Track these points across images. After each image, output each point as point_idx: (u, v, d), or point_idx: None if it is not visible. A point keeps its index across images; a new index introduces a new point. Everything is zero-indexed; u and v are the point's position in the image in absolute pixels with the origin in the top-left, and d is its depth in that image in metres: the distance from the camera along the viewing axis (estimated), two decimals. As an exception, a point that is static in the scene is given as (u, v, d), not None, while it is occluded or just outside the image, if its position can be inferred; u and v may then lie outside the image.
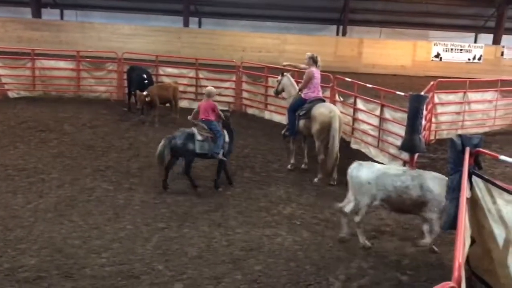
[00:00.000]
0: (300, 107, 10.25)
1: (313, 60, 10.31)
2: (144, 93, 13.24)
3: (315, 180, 9.97)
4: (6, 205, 8.15)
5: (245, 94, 15.98)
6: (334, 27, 29.02)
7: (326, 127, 9.73)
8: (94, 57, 17.57)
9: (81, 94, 16.29)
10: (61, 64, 16.45)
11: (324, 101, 10.42)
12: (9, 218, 7.73)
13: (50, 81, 16.34)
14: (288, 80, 11.18)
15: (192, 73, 16.30)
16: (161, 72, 16.31)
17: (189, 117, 9.48)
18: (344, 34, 28.05)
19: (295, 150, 10.79)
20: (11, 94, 16.09)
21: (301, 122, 10.22)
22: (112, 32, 25.17)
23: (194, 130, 9.09)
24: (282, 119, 14.40)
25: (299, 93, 10.49)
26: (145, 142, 12.19)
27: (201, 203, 8.74)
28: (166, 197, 8.89)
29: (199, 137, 9.02)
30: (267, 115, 15.26)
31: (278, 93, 11.51)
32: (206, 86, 15.44)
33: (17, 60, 16.44)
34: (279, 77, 11.50)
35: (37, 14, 27.20)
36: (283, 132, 10.84)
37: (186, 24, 27.30)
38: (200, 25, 28.90)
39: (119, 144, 11.88)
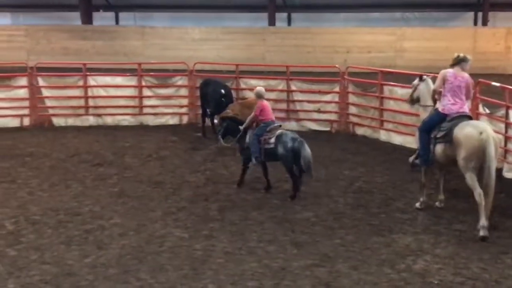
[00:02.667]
0: (436, 126, 10.03)
1: (459, 60, 10.04)
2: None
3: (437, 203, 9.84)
4: (58, 260, 8.60)
5: (352, 109, 15.97)
6: (471, 14, 28.36)
7: (477, 154, 9.39)
8: (158, 70, 18.33)
9: (144, 119, 17.00)
10: (119, 80, 17.31)
11: (470, 117, 10.12)
12: (63, 276, 8.13)
13: (105, 103, 17.21)
14: (427, 86, 11.13)
15: (282, 85, 16.56)
16: (242, 85, 16.72)
17: (245, 125, 11.47)
18: (485, 23, 27.31)
19: (427, 184, 10.57)
20: (58, 121, 17.11)
21: (439, 147, 9.97)
22: (179, 38, 26.21)
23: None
24: (405, 140, 14.23)
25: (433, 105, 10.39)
26: (225, 176, 12.46)
27: (300, 254, 8.75)
28: (255, 247, 8.99)
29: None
30: (383, 135, 15.13)
31: (413, 102, 11.51)
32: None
33: (64, 78, 17.54)
34: (416, 81, 11.48)
35: (87, 19, 28.87)
36: (411, 160, 10.69)
37: (272, 22, 27.83)
38: (289, 22, 29.36)
39: (193, 180, 12.24)
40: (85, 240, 9.28)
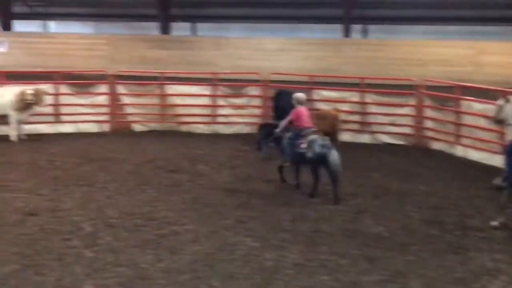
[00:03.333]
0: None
1: None
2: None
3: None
4: (133, 263, 8.79)
5: (428, 123, 15.69)
6: (553, 28, 27.46)
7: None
8: (233, 80, 18.56)
9: (217, 127, 17.22)
10: (194, 89, 17.61)
11: None
12: (137, 279, 8.30)
13: (181, 111, 17.55)
14: None
15: (356, 97, 16.44)
16: (315, 96, 16.70)
17: (280, 128, 12.15)
18: None
19: (508, 205, 10.26)
20: (136, 127, 17.58)
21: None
22: (254, 48, 26.44)
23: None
24: (482, 156, 13.88)
25: None
26: (293, 186, 12.45)
27: (372, 269, 8.64)
28: (326, 260, 8.93)
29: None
30: (459, 150, 14.80)
31: (498, 122, 11.24)
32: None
33: (143, 86, 17.97)
34: (501, 101, 11.24)
35: (165, 29, 29.53)
36: (497, 182, 10.41)
37: (347, 33, 27.73)
38: (365, 34, 29.15)
39: (265, 189, 12.30)
40: (159, 244, 9.44)
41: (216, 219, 10.58)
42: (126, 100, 17.69)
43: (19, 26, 31.73)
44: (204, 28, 30.47)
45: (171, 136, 16.92)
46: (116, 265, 8.67)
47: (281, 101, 15.35)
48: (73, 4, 32.48)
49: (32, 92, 15.73)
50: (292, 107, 14.76)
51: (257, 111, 17.40)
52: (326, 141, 11.60)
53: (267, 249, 9.30)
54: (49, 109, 16.78)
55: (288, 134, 12.05)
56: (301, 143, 11.65)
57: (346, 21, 27.67)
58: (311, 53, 25.76)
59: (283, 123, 12.21)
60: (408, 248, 9.39)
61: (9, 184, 12.31)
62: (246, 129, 17.28)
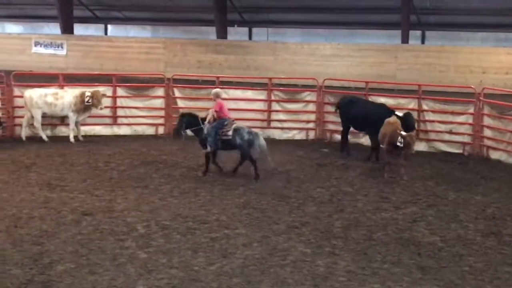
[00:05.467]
0: None
1: None
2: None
3: None
4: (186, 265, 8.91)
5: (487, 132, 15.37)
6: None
7: None
8: (288, 85, 18.56)
9: (271, 132, 17.24)
10: (249, 94, 17.69)
11: None
12: (189, 281, 8.41)
13: (235, 115, 17.61)
14: None
15: (412, 104, 16.23)
16: (371, 102, 16.56)
17: (208, 121, 13.41)
18: None
19: None
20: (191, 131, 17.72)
21: None
22: (310, 54, 26.38)
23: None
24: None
25: None
26: (350, 193, 12.40)
27: (425, 279, 8.55)
28: (378, 268, 8.86)
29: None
30: (519, 161, 14.46)
31: None
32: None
33: (198, 90, 18.16)
34: None
35: (222, 34, 29.76)
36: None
37: (405, 39, 27.38)
38: (423, 40, 28.77)
39: (317, 195, 12.27)
40: (211, 247, 9.54)
41: (268, 224, 10.62)
42: (181, 103, 17.89)
43: (79, 29, 32.51)
44: (260, 33, 30.60)
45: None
46: (168, 266, 8.81)
47: (352, 109, 15.14)
48: (132, 9, 33.10)
49: (90, 94, 16.11)
50: (364, 116, 14.62)
51: (312, 117, 17.34)
52: (250, 129, 13.63)
53: (318, 256, 9.29)
54: (107, 111, 17.11)
55: (212, 124, 13.41)
56: (226, 131, 13.23)
57: (404, 27, 27.32)
58: (367, 59, 25.53)
59: (209, 115, 13.57)
60: (463, 259, 9.24)
61: (67, 184, 12.63)
62: (300, 135, 17.25)
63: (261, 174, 13.40)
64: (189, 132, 14.02)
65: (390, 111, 14.47)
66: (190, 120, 13.90)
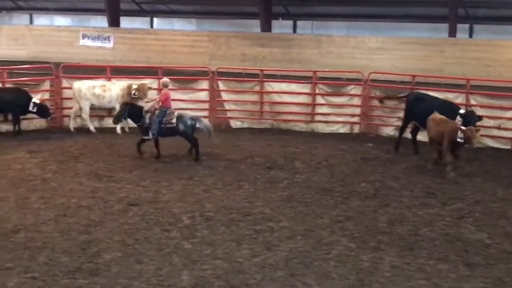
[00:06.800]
0: None
1: None
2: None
3: None
4: (229, 257, 8.96)
5: (537, 129, 15.04)
6: None
7: None
8: (332, 79, 18.45)
9: (315, 126, 17.19)
10: (293, 87, 17.65)
11: None
12: (233, 272, 8.46)
13: (279, 108, 17.63)
14: None
15: (460, 99, 15.98)
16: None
17: (149, 108, 14.35)
18: None
19: None
20: (234, 124, 17.83)
21: None
22: (355, 47, 26.12)
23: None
24: None
25: None
26: (395, 188, 12.30)
27: (472, 276, 8.45)
28: (424, 264, 8.78)
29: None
30: None
31: None
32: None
33: (242, 83, 18.20)
34: None
35: (266, 27, 29.71)
36: None
37: (452, 33, 26.89)
38: (471, 34, 28.22)
39: (362, 190, 12.19)
40: (254, 240, 9.58)
41: (312, 217, 10.61)
42: (225, 96, 17.97)
43: (125, 22, 32.83)
44: (304, 26, 30.41)
45: (268, 133, 17.06)
46: (212, 257, 8.88)
47: (419, 106, 14.83)
48: (177, 2, 33.27)
49: (137, 87, 16.31)
50: (431, 112, 14.36)
51: (357, 111, 17.21)
52: (192, 115, 14.65)
53: (363, 250, 9.24)
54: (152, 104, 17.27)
55: (156, 113, 14.05)
56: (170, 119, 14.02)
57: (452, 20, 26.82)
58: (413, 52, 25.11)
59: (152, 105, 14.53)
60: (511, 256, 9.06)
61: (113, 175, 12.83)
62: (344, 129, 17.15)
63: (304, 168, 13.46)
64: (129, 120, 15.01)
65: (458, 108, 14.31)
66: (132, 109, 14.56)
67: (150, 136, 14.13)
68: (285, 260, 8.84)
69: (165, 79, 15.03)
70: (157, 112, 14.14)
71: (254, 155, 14.65)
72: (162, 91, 14.66)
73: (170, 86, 17.58)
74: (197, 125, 14.30)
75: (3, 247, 9.09)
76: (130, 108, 14.59)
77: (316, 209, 11.04)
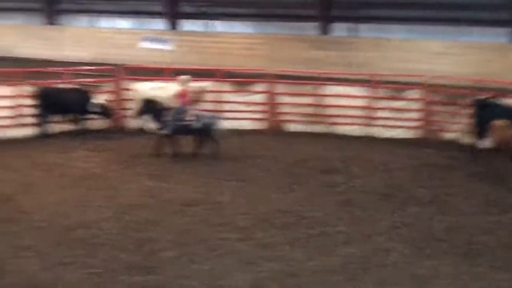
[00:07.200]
0: None
1: None
2: None
3: None
4: (283, 259, 8.96)
5: None
6: None
7: None
8: (391, 83, 18.23)
9: (373, 130, 17.00)
10: (351, 90, 17.50)
11: None
12: (288, 275, 8.46)
13: (336, 112, 17.50)
14: None
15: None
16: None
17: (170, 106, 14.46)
18: None
19: None
20: (291, 127, 17.79)
21: None
22: (414, 51, 25.81)
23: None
24: None
25: None
26: (454, 195, 12.07)
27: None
28: (483, 273, 8.59)
29: None
30: None
31: None
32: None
33: (299, 86, 18.15)
34: None
35: (324, 30, 29.64)
36: None
37: (516, 38, 26.26)
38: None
39: (419, 195, 12.01)
40: (310, 243, 9.56)
41: (369, 222, 10.51)
42: (282, 99, 17.96)
43: (185, 25, 33.25)
44: (363, 29, 30.11)
45: (325, 137, 16.94)
46: (267, 260, 8.89)
47: (486, 113, 14.55)
48: (235, 5, 33.48)
49: (195, 89, 16.46)
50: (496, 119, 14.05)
51: (417, 115, 16.94)
52: (210, 114, 14.86)
53: (420, 258, 9.11)
54: (209, 106, 17.42)
55: (173, 111, 14.31)
56: (186, 116, 14.16)
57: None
58: (473, 57, 24.61)
59: (172, 103, 14.56)
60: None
61: (170, 175, 13.01)
62: (404, 134, 16.89)
63: (361, 173, 13.35)
64: (148, 117, 14.90)
65: None
66: (151, 105, 14.67)
67: (165, 132, 14.24)
68: (341, 265, 8.79)
69: (184, 77, 14.95)
70: (175, 109, 14.34)
71: (309, 158, 14.58)
72: (181, 89, 14.67)
73: (228, 88, 17.85)
74: (213, 126, 14.30)
75: (64, 242, 9.35)
76: (150, 105, 14.73)
77: (373, 214, 10.93)
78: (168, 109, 14.45)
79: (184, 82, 14.77)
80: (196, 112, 14.42)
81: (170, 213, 10.74)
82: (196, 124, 14.17)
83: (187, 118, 14.21)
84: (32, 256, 8.88)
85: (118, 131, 16.95)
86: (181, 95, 14.51)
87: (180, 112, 14.29)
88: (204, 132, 14.28)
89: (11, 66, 18.83)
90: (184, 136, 14.39)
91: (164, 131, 14.26)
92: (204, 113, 14.74)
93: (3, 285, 8.00)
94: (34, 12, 37.84)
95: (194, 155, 14.34)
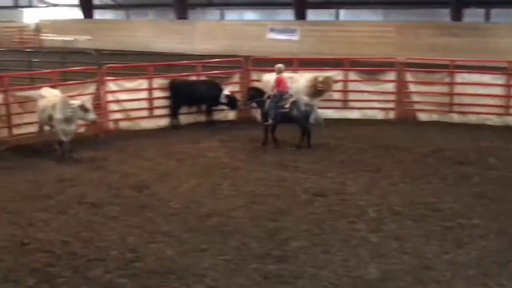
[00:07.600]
0: None
1: None
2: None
3: None
4: (418, 252, 8.77)
5: None
6: None
7: None
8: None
9: (511, 120, 16.26)
10: (487, 78, 16.80)
11: None
12: (422, 268, 8.28)
13: (471, 101, 16.87)
14: None
15: None
16: None
17: (268, 93, 14.60)
18: None
19: None
20: (422, 116, 17.36)
21: None
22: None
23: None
24: None
25: None
26: None
27: None
28: None
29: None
30: None
31: None
32: None
33: (431, 74, 17.65)
34: None
35: (457, 15, 28.62)
36: None
37: None
38: None
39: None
40: (444, 236, 9.30)
41: (506, 216, 10.08)
42: (413, 88, 17.56)
43: (311, 15, 33.29)
44: (499, 14, 28.82)
45: (458, 127, 16.42)
46: (400, 252, 8.76)
47: None
48: (363, -7, 33.21)
49: (322, 79, 16.45)
50: None
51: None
52: (307, 100, 14.55)
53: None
54: (337, 95, 17.36)
55: (272, 98, 14.36)
56: (284, 104, 14.12)
57: None
58: None
59: (270, 90, 14.66)
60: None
61: (299, 165, 13.08)
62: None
63: (498, 164, 12.86)
64: (254, 104, 15.31)
65: None
66: (254, 93, 15.07)
67: (270, 121, 14.33)
68: (477, 259, 8.49)
69: (279, 65, 14.86)
70: (272, 97, 14.41)
71: (443, 149, 14.16)
72: (277, 76, 14.65)
73: (357, 77, 17.69)
74: (311, 113, 14.06)
75: (198, 230, 9.66)
76: (252, 92, 15.10)
77: (510, 207, 10.45)
78: (269, 97, 14.60)
79: (279, 70, 14.77)
80: (293, 98, 14.37)
81: (302, 203, 10.80)
82: (295, 112, 14.11)
83: (285, 105, 14.19)
84: (169, 242, 9.25)
85: (246, 122, 17.23)
86: (278, 82, 14.56)
87: (277, 98, 14.34)
88: (300, 119, 14.17)
89: (148, 60, 19.59)
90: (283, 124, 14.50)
91: (269, 121, 14.34)
92: (301, 99, 14.53)
93: (143, 268, 8.39)
94: (165, 7, 39.38)
95: (298, 147, 14.28)
